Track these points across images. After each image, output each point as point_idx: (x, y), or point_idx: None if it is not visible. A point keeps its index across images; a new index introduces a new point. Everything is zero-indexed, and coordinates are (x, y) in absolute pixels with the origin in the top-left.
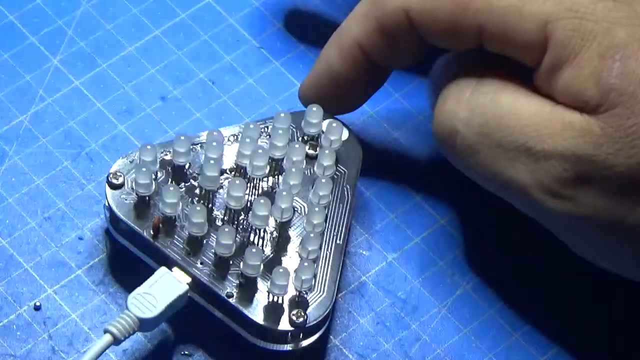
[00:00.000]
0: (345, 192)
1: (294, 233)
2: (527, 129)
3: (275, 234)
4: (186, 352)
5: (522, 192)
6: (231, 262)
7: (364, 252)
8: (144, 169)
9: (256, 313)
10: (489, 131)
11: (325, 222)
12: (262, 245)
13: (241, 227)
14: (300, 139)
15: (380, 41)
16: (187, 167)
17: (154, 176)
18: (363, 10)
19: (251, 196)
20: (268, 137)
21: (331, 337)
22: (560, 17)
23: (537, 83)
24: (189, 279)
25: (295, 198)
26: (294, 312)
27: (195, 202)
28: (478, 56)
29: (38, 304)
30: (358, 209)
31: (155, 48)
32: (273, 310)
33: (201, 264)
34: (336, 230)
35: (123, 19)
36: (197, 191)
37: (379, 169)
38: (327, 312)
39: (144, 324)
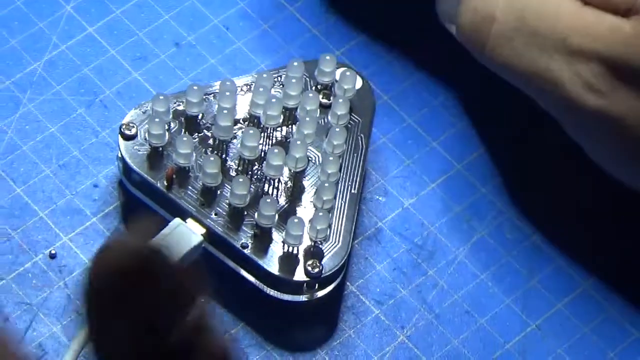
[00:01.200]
0: (360, 141)
1: (308, 183)
2: (565, 21)
3: (289, 183)
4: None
5: (555, 84)
6: (245, 213)
7: (380, 198)
8: (156, 120)
9: (271, 264)
10: (528, 19)
11: (340, 171)
12: (277, 196)
13: (255, 177)
14: (313, 87)
15: None
16: (200, 117)
17: (167, 126)
18: None
19: (265, 146)
20: (281, 86)
21: (348, 283)
22: None
23: None
24: (203, 230)
25: (310, 147)
26: (309, 262)
27: (209, 153)
28: None
29: (53, 251)
30: (374, 155)
31: None
32: (288, 260)
33: (215, 214)
34: (351, 180)
35: None
36: (211, 141)
37: (395, 115)
38: (343, 262)
39: None
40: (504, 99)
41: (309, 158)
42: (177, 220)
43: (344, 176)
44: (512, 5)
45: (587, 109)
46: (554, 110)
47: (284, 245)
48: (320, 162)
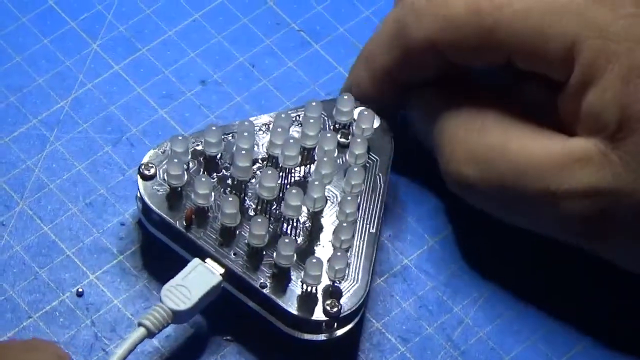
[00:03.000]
0: (378, 181)
1: (326, 222)
2: (544, 174)
3: (307, 223)
4: (228, 338)
5: (550, 233)
6: (264, 252)
7: (406, 236)
8: (175, 160)
9: (290, 303)
10: (506, 183)
11: (358, 210)
12: (295, 235)
13: (274, 217)
14: (331, 127)
15: (408, 67)
16: (219, 157)
17: (185, 167)
18: (387, 40)
19: (283, 186)
20: (299, 126)
21: (373, 320)
22: (585, 38)
23: (562, 104)
24: (222, 270)
25: (328, 187)
26: (328, 301)
27: (228, 193)
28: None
29: (80, 290)
30: (398, 194)
31: (194, 32)
32: (307, 300)
33: (234, 254)
34: (369, 219)
35: (162, 3)
36: (230, 181)
37: (417, 154)
38: (362, 301)
39: (177, 316)
40: None
41: (327, 197)
42: (197, 260)
43: (363, 215)
44: (487, 175)
45: (588, 251)
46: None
47: (302, 285)
48: (339, 201)
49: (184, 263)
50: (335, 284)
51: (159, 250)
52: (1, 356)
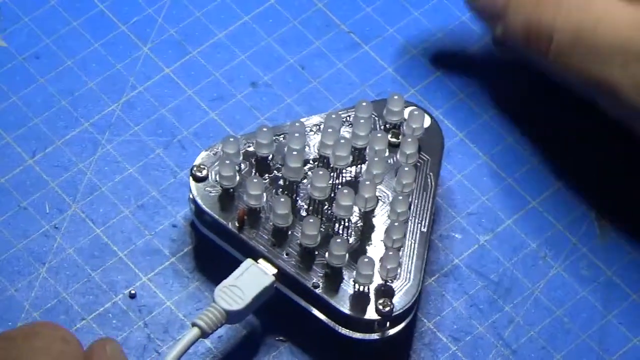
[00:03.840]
0: (429, 180)
1: (378, 222)
2: (621, 33)
3: (359, 223)
4: (281, 338)
5: (615, 93)
6: (316, 253)
7: (456, 235)
8: (227, 162)
9: (342, 303)
10: (585, 35)
11: (409, 210)
12: (347, 235)
13: (325, 217)
14: (382, 127)
15: None
16: (270, 158)
17: (237, 168)
18: None
19: (335, 186)
20: (350, 126)
21: (425, 320)
22: None
23: None
24: (275, 270)
25: (379, 187)
26: (380, 301)
27: (280, 194)
28: None
29: (133, 291)
30: (449, 193)
31: (244, 34)
32: (359, 299)
33: (287, 255)
34: (420, 218)
35: (212, 6)
36: (281, 182)
37: (469, 152)
38: (414, 300)
39: (231, 316)
40: (580, 136)
41: (379, 197)
42: (249, 260)
43: (414, 215)
44: (568, 24)
45: None
46: (615, 114)
47: (354, 285)
48: (390, 201)
49: (236, 264)
50: (388, 283)
51: (211, 251)
52: (3, 350)
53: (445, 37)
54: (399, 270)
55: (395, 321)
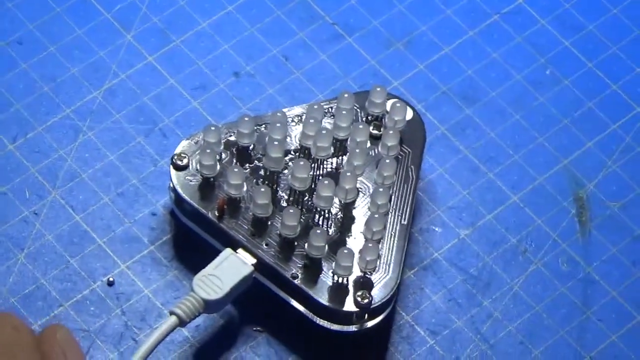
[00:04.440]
0: (410, 173)
1: (358, 214)
2: None
3: (339, 214)
4: (258, 329)
5: None
6: (296, 243)
7: (436, 229)
8: (208, 150)
9: (321, 294)
10: None
11: (390, 202)
12: (327, 227)
13: (306, 208)
14: (364, 119)
15: None
16: (251, 148)
17: (218, 157)
18: None
19: (315, 177)
20: (332, 117)
21: (403, 313)
22: None
23: None
24: (254, 260)
25: (360, 179)
26: (359, 293)
27: (260, 183)
28: None
29: (111, 279)
30: (430, 186)
31: (228, 24)
32: (338, 291)
33: (266, 245)
34: (401, 211)
35: None
36: (262, 172)
37: (452, 146)
38: (393, 292)
39: (209, 306)
40: (560, 130)
41: (359, 189)
42: (228, 250)
43: (394, 207)
44: None
45: None
46: None
47: (333, 276)
48: (370, 193)
49: (215, 253)
50: (367, 276)
51: (190, 240)
52: None
53: (428, 31)
54: (378, 263)
55: (374, 313)
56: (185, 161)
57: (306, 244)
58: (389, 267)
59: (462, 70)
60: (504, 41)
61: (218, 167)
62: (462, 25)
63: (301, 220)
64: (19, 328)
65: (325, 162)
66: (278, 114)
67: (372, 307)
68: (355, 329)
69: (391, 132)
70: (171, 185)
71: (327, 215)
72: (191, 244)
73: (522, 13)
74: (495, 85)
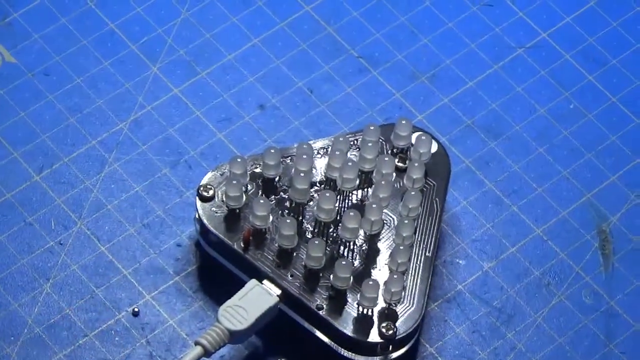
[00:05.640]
0: (435, 205)
1: (383, 245)
2: None
3: (364, 246)
4: (283, 359)
5: None
6: (321, 275)
7: (460, 262)
8: (234, 182)
9: (346, 325)
10: None
11: (415, 234)
12: (352, 258)
13: (331, 239)
14: (389, 151)
15: None
16: (277, 179)
17: (244, 189)
18: None
19: (341, 209)
20: (357, 149)
21: (427, 345)
22: None
23: None
24: (279, 291)
25: (385, 210)
26: (384, 324)
27: (286, 215)
28: None
29: (136, 309)
30: (454, 219)
31: (254, 56)
32: (363, 322)
33: (291, 276)
34: (426, 243)
35: (222, 28)
36: (287, 204)
37: (476, 179)
38: (417, 324)
39: (234, 336)
40: (584, 165)
41: (384, 221)
42: (254, 281)
43: (419, 239)
44: None
45: None
46: None
47: (358, 307)
48: (396, 225)
49: (239, 284)
50: (391, 307)
51: (215, 271)
52: None
53: (453, 64)
54: (403, 294)
55: (398, 345)
56: (211, 192)
57: (331, 275)
58: (414, 298)
59: (487, 104)
60: (527, 75)
61: (244, 198)
62: (486, 59)
63: (326, 251)
64: None
65: (350, 194)
66: (304, 145)
67: (396, 338)
68: None
69: (416, 164)
70: (197, 216)
71: (352, 246)
72: (216, 274)
73: (546, 47)
74: (519, 119)
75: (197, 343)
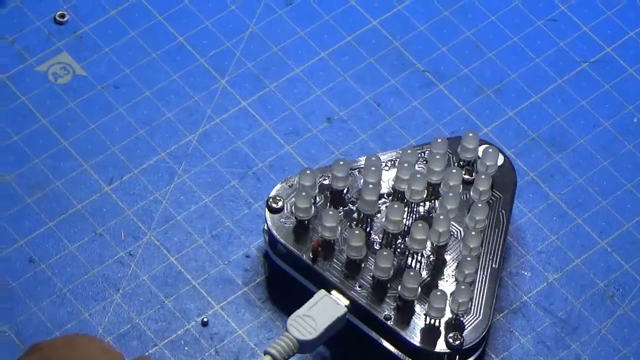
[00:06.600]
0: (501, 217)
1: (450, 257)
2: None
3: (432, 257)
4: None
5: None
6: (389, 285)
7: (525, 273)
8: (303, 194)
9: (413, 335)
10: None
11: (481, 246)
12: (420, 269)
13: (399, 250)
14: (456, 164)
15: None
16: (345, 191)
17: (313, 200)
18: None
19: (409, 220)
20: (425, 162)
21: (492, 355)
22: None
23: None
24: (347, 302)
25: (452, 222)
26: (451, 334)
27: (354, 226)
28: None
29: (205, 319)
30: (519, 231)
31: (321, 70)
32: (430, 332)
33: (359, 287)
34: (492, 254)
35: (290, 41)
36: (356, 215)
37: (541, 191)
38: (483, 335)
39: (303, 346)
40: None
41: (452, 232)
42: (323, 291)
43: (486, 251)
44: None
45: None
46: None
47: (426, 318)
48: (462, 236)
49: (307, 295)
50: (458, 317)
51: (283, 282)
52: (48, 357)
53: (518, 79)
54: (469, 305)
55: (465, 355)
56: (280, 204)
57: (399, 286)
58: (480, 309)
59: (551, 118)
60: (592, 89)
61: (313, 209)
62: (551, 73)
63: (394, 262)
64: (110, 351)
65: (418, 206)
66: (372, 158)
67: (463, 348)
68: None
69: (483, 177)
70: (266, 227)
71: (419, 258)
72: (284, 285)
73: (610, 62)
74: (584, 133)
75: (266, 352)
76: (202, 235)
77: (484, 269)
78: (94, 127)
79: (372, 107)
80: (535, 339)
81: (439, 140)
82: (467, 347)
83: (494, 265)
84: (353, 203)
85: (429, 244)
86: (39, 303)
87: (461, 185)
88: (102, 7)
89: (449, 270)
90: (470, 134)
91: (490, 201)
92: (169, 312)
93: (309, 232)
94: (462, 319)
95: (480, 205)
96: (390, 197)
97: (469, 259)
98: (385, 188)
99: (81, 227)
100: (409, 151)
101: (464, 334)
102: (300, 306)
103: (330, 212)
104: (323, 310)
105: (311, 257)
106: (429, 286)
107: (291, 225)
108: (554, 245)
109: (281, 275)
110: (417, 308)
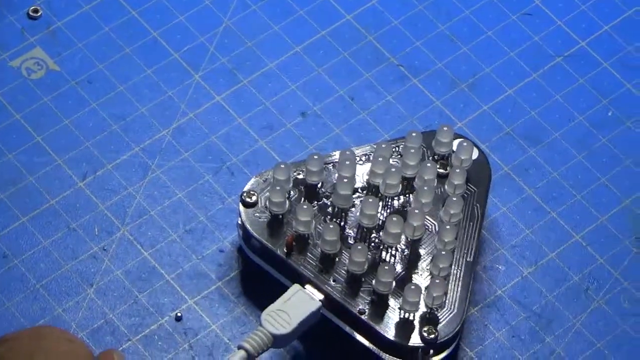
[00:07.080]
0: (476, 211)
1: (424, 251)
2: None
3: (406, 251)
4: None
5: None
6: (363, 280)
7: (500, 267)
8: (277, 188)
9: (387, 329)
10: None
11: (456, 239)
12: (394, 263)
13: (373, 244)
14: (431, 158)
15: None
16: (319, 185)
17: (287, 194)
18: None
19: (383, 214)
20: (400, 156)
21: (467, 349)
22: None
23: None
24: (321, 296)
25: (427, 216)
26: (425, 328)
27: (328, 220)
28: None
29: (179, 314)
30: (494, 225)
31: (295, 65)
32: (404, 326)
33: (334, 281)
34: (466, 248)
35: (264, 36)
36: (330, 209)
37: (515, 185)
38: (458, 328)
39: (277, 340)
40: (623, 171)
41: (426, 226)
42: (296, 286)
43: (460, 245)
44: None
45: None
46: None
47: (400, 312)
48: (437, 230)
49: (282, 290)
50: (433, 311)
51: (257, 276)
52: (12, 348)
53: (492, 73)
54: (444, 299)
55: (439, 349)
56: (254, 198)
57: (373, 280)
58: (455, 303)
59: (526, 112)
60: (566, 83)
61: (287, 204)
62: (525, 67)
63: (368, 256)
64: (74, 340)
65: (393, 200)
66: (347, 152)
67: (437, 342)
68: None
69: (458, 170)
70: (240, 222)
71: (394, 252)
72: (258, 280)
73: (585, 56)
74: (558, 127)
75: (240, 347)
76: (176, 230)
77: (458, 263)
78: (67, 122)
79: (347, 101)
80: (509, 332)
81: (414, 134)
82: (441, 340)
83: (468, 259)
84: (327, 197)
85: (403, 238)
86: (12, 298)
87: (436, 179)
88: (76, 2)
89: (424, 264)
90: (445, 128)
91: (465, 195)
92: (143, 307)
93: (283, 227)
94: (436, 312)
95: (454, 199)
96: (365, 191)
97: (443, 252)
98: (359, 182)
99: (55, 222)
100: (383, 145)
101: (438, 328)
102: (275, 300)
103: (305, 207)
104: (297, 304)
105: (285, 252)
106: (404, 280)
107: (265, 219)
108: (529, 239)
109: (255, 269)
110: (392, 302)
